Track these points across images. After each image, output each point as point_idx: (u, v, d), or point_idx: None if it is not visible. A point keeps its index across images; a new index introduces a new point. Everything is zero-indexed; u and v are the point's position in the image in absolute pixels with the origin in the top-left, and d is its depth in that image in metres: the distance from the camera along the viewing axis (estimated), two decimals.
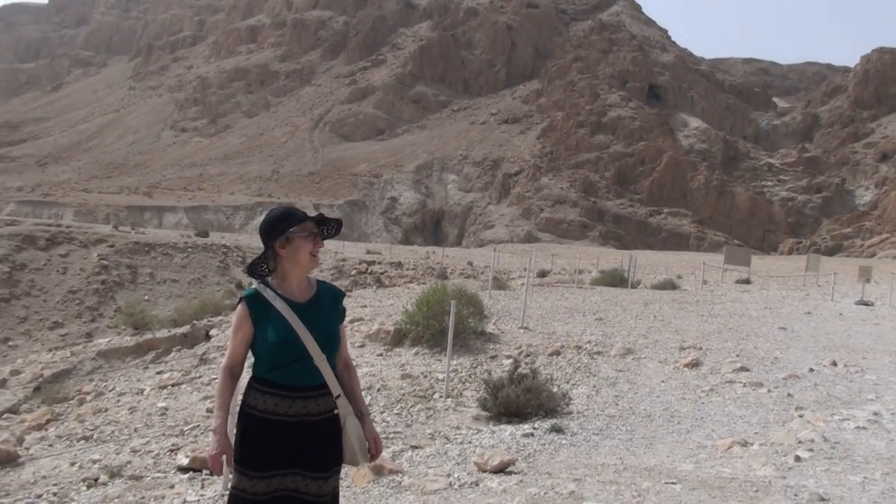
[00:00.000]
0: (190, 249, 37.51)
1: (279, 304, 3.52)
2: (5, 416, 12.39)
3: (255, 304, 3.54)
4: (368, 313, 15.62)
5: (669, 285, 24.33)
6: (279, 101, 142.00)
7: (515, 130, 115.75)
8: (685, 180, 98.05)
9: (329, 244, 46.48)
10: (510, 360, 10.53)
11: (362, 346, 12.42)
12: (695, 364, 10.11)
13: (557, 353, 11.06)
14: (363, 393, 9.19)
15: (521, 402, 7.70)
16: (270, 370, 3.51)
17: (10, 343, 28.01)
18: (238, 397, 3.69)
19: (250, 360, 3.62)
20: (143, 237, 39.81)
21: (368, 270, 32.64)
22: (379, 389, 9.43)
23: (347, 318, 14.89)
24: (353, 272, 31.47)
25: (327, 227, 3.71)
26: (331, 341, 3.60)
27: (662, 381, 9.31)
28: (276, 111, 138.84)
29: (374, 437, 3.68)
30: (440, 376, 9.73)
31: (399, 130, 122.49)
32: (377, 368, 10.66)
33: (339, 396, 3.58)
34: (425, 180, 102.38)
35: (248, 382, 3.56)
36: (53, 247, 35.29)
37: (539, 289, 21.74)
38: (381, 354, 11.65)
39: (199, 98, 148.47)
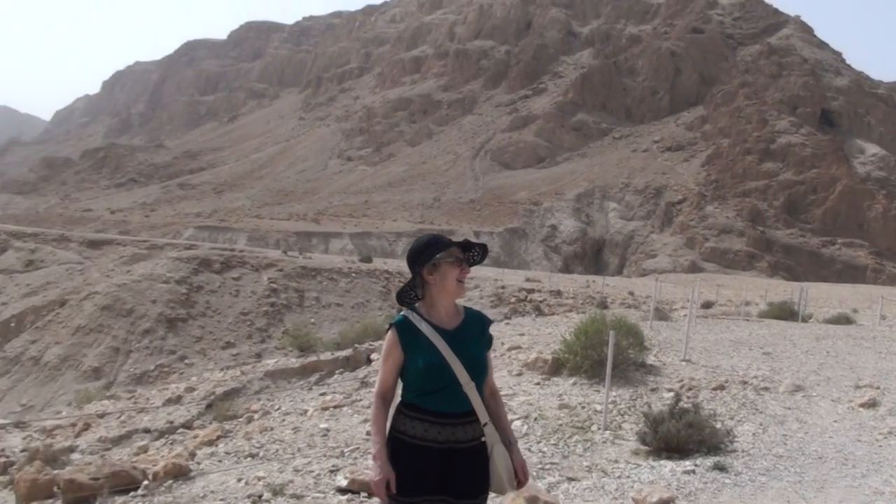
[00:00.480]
0: (354, 275, 38.48)
1: (428, 331, 3.55)
2: (179, 430, 13.01)
3: (405, 330, 3.58)
4: (526, 341, 15.55)
5: (844, 320, 23.12)
6: (441, 130, 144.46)
7: (679, 158, 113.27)
8: (861, 209, 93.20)
9: (488, 272, 46.74)
10: (671, 394, 10.25)
11: (520, 374, 12.36)
12: (872, 404, 9.54)
13: (721, 387, 10.68)
14: (520, 421, 9.21)
15: (682, 437, 7.47)
16: (419, 396, 3.54)
17: (187, 361, 29.50)
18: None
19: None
20: (310, 262, 41.14)
21: (528, 298, 32.54)
22: (536, 419, 9.35)
23: (505, 346, 14.93)
24: (513, 300, 31.46)
25: (473, 253, 3.73)
26: (479, 368, 3.60)
27: (835, 421, 8.83)
28: (439, 140, 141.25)
29: (521, 465, 3.65)
30: (598, 407, 9.57)
31: (560, 158, 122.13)
32: (534, 397, 10.58)
33: (486, 424, 3.58)
34: (586, 208, 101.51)
35: (397, 407, 3.60)
36: (227, 270, 36.99)
37: (703, 320, 21.10)
38: (538, 383, 11.55)
39: (365, 127, 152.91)
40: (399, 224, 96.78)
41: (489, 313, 26.92)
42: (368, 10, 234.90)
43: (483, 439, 3.57)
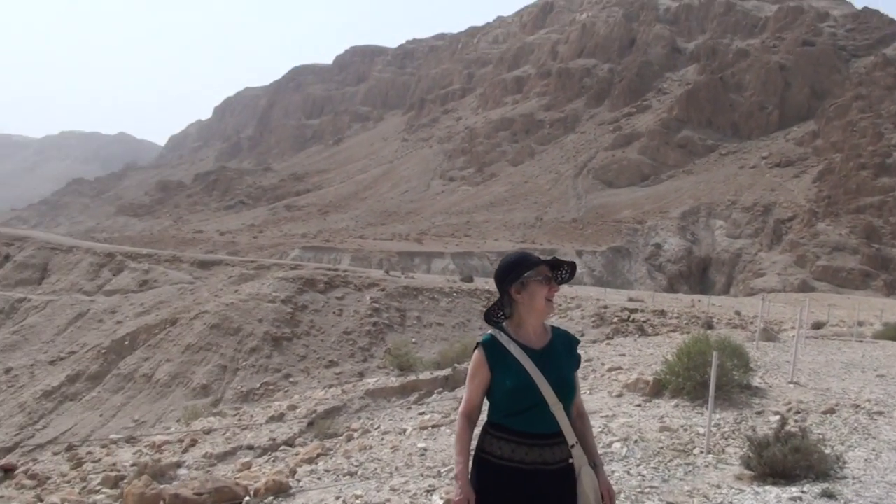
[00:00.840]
0: (455, 294, 38.59)
1: (515, 351, 3.50)
2: (281, 448, 13.22)
3: (492, 350, 3.54)
4: (627, 362, 15.30)
5: None
6: (543, 149, 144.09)
7: (788, 174, 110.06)
8: None
9: (591, 291, 46.23)
10: (777, 417, 9.89)
11: (620, 395, 12.15)
12: None
13: (831, 411, 10.26)
14: (620, 443, 9.03)
15: (788, 462, 7.19)
16: (506, 416, 3.48)
17: (291, 379, 30.01)
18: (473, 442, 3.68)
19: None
20: (412, 282, 41.45)
21: (630, 318, 32.05)
22: (636, 441, 9.16)
23: (605, 367, 14.72)
24: (615, 320, 31.03)
25: (562, 272, 3.66)
26: (567, 389, 3.53)
27: None
28: (541, 159, 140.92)
29: (607, 489, 3.57)
30: (701, 430, 9.31)
31: (664, 176, 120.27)
32: (635, 419, 10.37)
33: (573, 445, 3.50)
34: (691, 226, 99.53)
35: (483, 428, 3.55)
36: (331, 290, 37.58)
37: (812, 341, 20.39)
38: (639, 405, 11.33)
39: (467, 148, 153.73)
40: (500, 244, 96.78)
41: (591, 333, 26.69)
42: (471, 32, 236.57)
43: (570, 461, 3.49)
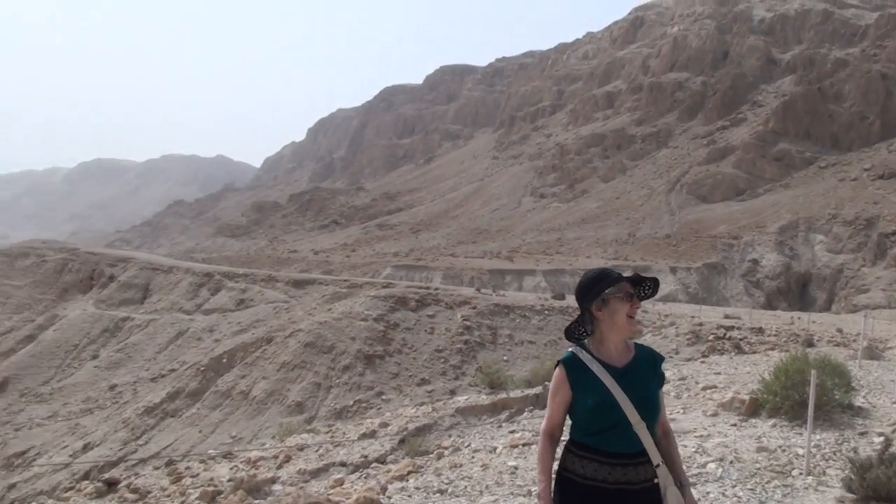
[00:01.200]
0: (547, 312, 38.38)
1: (597, 369, 3.46)
2: (373, 465, 13.31)
3: (573, 368, 3.51)
4: (723, 381, 14.97)
5: None
6: (635, 165, 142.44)
7: (892, 186, 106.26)
8: None
9: (685, 308, 45.41)
10: (881, 438, 9.53)
11: (715, 414, 11.88)
12: None
13: None
14: (715, 464, 8.83)
15: (893, 485, 6.93)
16: (588, 435, 3.44)
17: (384, 397, 30.25)
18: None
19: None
20: (503, 299, 41.38)
21: (726, 336, 31.30)
22: (731, 462, 8.95)
23: (700, 385, 14.43)
24: (710, 337, 30.35)
25: (644, 287, 3.61)
26: (651, 408, 3.47)
27: None
28: (633, 174, 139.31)
29: None
30: (800, 451, 9.04)
31: (760, 190, 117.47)
32: (730, 439, 10.13)
33: (658, 465, 3.43)
34: (789, 241, 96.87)
35: (566, 446, 3.52)
36: (422, 308, 37.78)
37: None
38: (734, 424, 11.06)
39: (558, 165, 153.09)
40: (593, 261, 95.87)
41: (685, 351, 26.18)
42: (560, 48, 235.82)
43: (655, 481, 3.43)
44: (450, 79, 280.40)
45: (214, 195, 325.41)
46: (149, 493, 13.86)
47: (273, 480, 12.81)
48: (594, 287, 3.52)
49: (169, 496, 13.29)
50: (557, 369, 3.55)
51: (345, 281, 54.91)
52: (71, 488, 17.73)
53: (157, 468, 17.15)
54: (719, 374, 16.38)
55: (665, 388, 14.84)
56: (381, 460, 13.64)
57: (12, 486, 33.37)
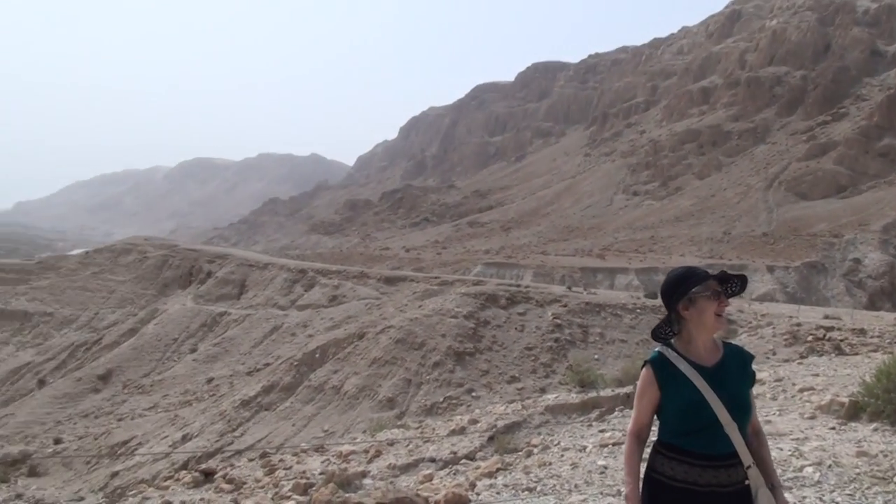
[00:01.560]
0: (639, 310, 37.89)
1: (685, 368, 3.39)
2: (462, 461, 13.35)
3: (661, 367, 3.44)
4: (821, 382, 14.53)
5: None
6: (731, 161, 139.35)
7: None
8: None
9: (783, 308, 44.27)
10: None
11: (812, 417, 11.54)
12: None
13: None
14: (812, 468, 8.58)
15: None
16: (678, 436, 3.37)
17: (474, 394, 30.29)
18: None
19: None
20: (594, 298, 41.01)
21: (826, 337, 30.40)
22: (830, 466, 8.67)
23: (797, 387, 14.05)
24: (809, 338, 29.51)
25: (731, 285, 3.52)
26: (742, 408, 3.38)
27: None
28: (729, 171, 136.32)
29: None
30: None
31: (864, 187, 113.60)
32: (829, 443, 9.82)
33: (749, 467, 3.35)
34: (894, 240, 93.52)
35: (654, 447, 3.46)
36: (512, 305, 37.71)
37: None
38: (833, 428, 10.72)
39: (651, 161, 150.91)
40: (687, 259, 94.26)
41: (783, 352, 25.52)
42: (655, 43, 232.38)
43: (746, 483, 3.35)
44: (542, 76, 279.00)
45: (308, 193, 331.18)
46: (244, 483, 14.18)
47: (363, 474, 12.95)
48: (680, 286, 3.46)
49: (263, 487, 13.57)
50: (644, 369, 3.49)
51: (436, 278, 55.20)
52: (170, 477, 18.24)
53: (251, 460, 17.52)
54: (817, 375, 15.91)
55: (761, 389, 14.45)
56: (471, 457, 13.67)
57: (115, 474, 34.55)
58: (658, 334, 3.64)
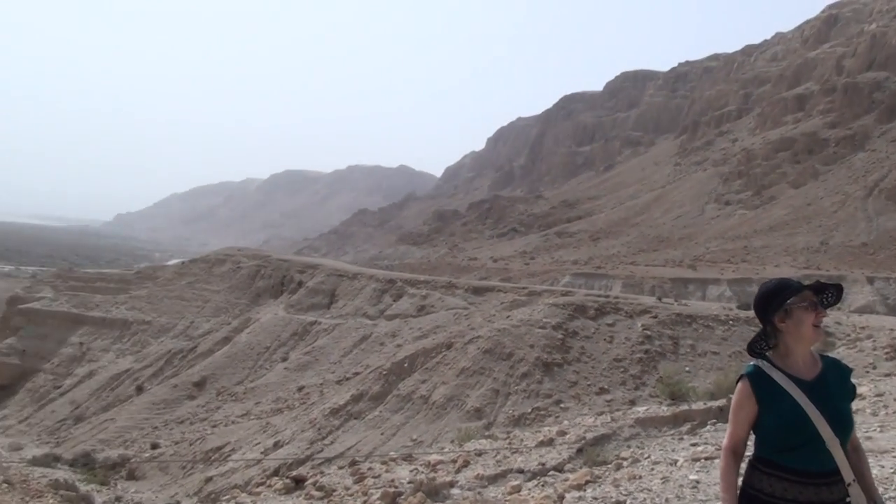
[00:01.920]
0: (732, 322, 37.09)
1: (784, 382, 3.30)
2: (550, 473, 13.27)
3: (758, 381, 3.37)
4: None
5: None
6: (828, 170, 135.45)
7: None
8: None
9: (884, 321, 42.78)
10: None
11: None
12: None
13: None
14: None
15: None
16: (777, 452, 3.28)
17: (562, 405, 30.07)
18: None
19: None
20: (685, 309, 40.31)
21: None
22: None
23: None
24: None
25: (827, 295, 3.42)
26: (845, 423, 3.28)
27: None
28: (825, 180, 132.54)
29: None
30: None
31: None
32: None
33: (851, 484, 3.24)
34: None
35: (750, 462, 3.38)
36: (601, 316, 37.33)
37: None
38: None
39: (744, 170, 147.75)
40: (782, 270, 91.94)
41: (883, 366, 24.66)
42: (747, 50, 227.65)
43: (848, 500, 3.24)
44: (630, 85, 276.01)
45: (397, 204, 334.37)
46: (333, 491, 14.35)
47: (451, 484, 12.98)
48: (776, 298, 3.38)
49: (352, 495, 13.71)
50: (741, 383, 3.41)
51: (523, 288, 55.00)
52: (262, 483, 18.59)
53: (341, 468, 17.74)
54: None
55: (861, 404, 14.02)
56: (559, 469, 13.57)
57: (209, 479, 35.36)
58: (754, 348, 3.55)
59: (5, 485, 16.68)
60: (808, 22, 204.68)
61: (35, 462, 37.10)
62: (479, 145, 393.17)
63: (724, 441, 3.48)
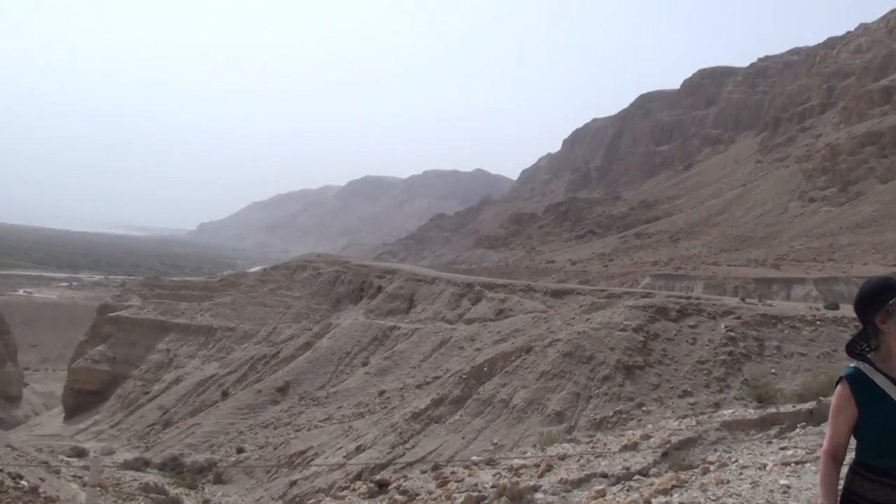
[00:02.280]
0: (818, 322, 36.16)
1: (886, 385, 3.18)
2: (635, 477, 13.11)
3: (858, 384, 3.25)
4: None
5: None
6: None
7: None
8: None
9: None
10: None
11: None
12: None
13: None
14: None
15: None
16: (879, 457, 3.17)
17: (644, 408, 29.72)
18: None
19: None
20: (769, 309, 39.45)
21: None
22: None
23: None
24: None
25: None
26: None
27: None
28: None
29: None
30: None
31: None
32: None
33: None
34: None
35: (851, 467, 3.27)
36: (683, 318, 36.77)
37: None
38: None
39: (829, 166, 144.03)
40: (870, 268, 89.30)
41: None
42: (830, 43, 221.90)
43: None
44: (709, 82, 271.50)
45: (474, 208, 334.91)
46: (417, 495, 14.40)
47: (535, 489, 12.92)
48: (877, 298, 3.26)
49: (435, 499, 13.75)
50: (840, 386, 3.30)
51: (602, 291, 54.56)
52: (346, 487, 18.76)
53: (423, 472, 17.79)
54: None
55: None
56: (644, 473, 13.40)
57: (293, 483, 35.88)
58: (853, 349, 3.44)
59: (99, 488, 17.18)
60: (893, 12, 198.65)
61: (126, 466, 38.21)
62: (555, 147, 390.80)
63: (824, 445, 3.39)
